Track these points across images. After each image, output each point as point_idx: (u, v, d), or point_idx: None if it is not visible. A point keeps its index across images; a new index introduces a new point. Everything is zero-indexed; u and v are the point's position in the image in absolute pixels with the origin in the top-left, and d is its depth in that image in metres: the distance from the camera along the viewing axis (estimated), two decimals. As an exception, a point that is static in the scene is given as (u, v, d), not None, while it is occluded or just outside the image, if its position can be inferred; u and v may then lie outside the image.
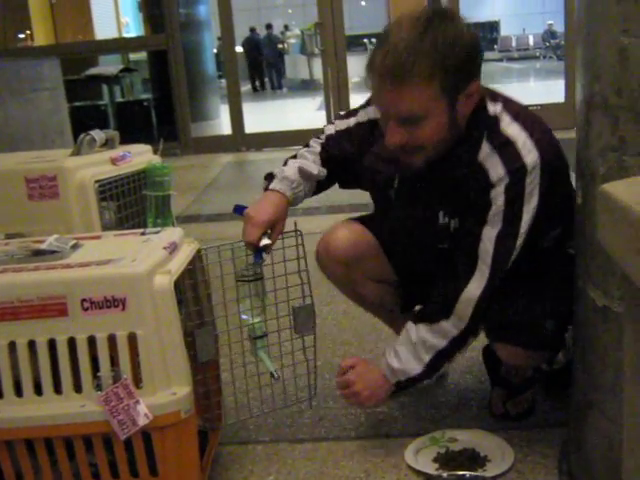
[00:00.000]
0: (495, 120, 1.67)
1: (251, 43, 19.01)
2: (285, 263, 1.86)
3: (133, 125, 8.72)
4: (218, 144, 8.26)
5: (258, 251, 1.79)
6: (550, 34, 22.13)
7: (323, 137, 1.96)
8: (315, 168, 1.90)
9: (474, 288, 1.70)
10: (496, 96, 1.72)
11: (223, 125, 9.26)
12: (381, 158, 1.84)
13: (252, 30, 19.26)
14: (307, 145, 1.97)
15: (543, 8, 21.57)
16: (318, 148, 1.94)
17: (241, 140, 8.12)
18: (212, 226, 4.76)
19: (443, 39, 1.54)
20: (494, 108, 1.68)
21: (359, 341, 2.63)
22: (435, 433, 1.94)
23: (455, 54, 1.55)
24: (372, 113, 1.84)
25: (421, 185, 1.79)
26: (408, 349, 1.81)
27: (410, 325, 1.83)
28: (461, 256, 1.73)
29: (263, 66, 18.77)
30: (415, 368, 1.80)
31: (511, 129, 1.65)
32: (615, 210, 0.51)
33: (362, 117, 1.91)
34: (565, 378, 1.86)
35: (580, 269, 1.52)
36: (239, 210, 1.87)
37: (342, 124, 1.94)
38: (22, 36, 9.67)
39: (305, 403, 2.04)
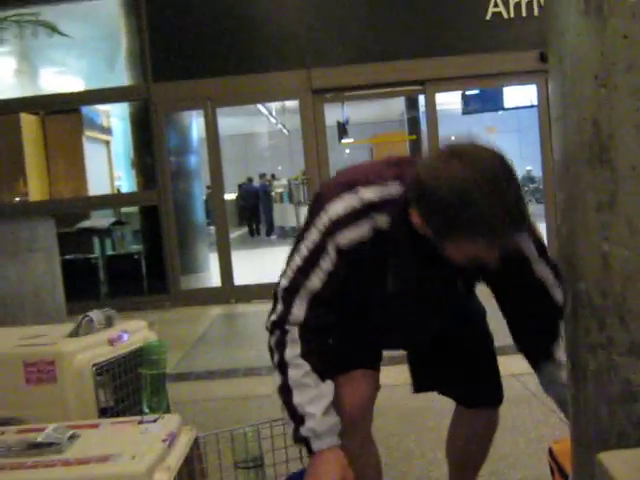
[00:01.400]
0: None
1: (249, 191, 19.92)
2: (287, 449, 1.86)
3: (123, 278, 8.79)
4: (207, 296, 8.33)
5: None
6: (529, 179, 22.91)
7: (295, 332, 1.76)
8: (326, 388, 1.76)
9: None
10: None
11: (212, 274, 9.36)
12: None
13: (250, 180, 20.32)
14: (285, 364, 1.76)
15: (520, 154, 22.48)
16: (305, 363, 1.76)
17: (230, 292, 8.19)
18: (202, 385, 4.74)
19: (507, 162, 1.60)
20: None
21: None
22: None
23: None
24: (369, 230, 1.73)
25: (441, 267, 1.75)
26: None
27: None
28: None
29: (259, 213, 19.49)
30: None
31: None
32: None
33: (346, 243, 1.74)
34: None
35: (578, 461, 1.54)
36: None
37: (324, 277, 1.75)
38: (18, 189, 9.90)
39: None
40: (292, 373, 1.73)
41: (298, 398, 1.72)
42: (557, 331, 1.79)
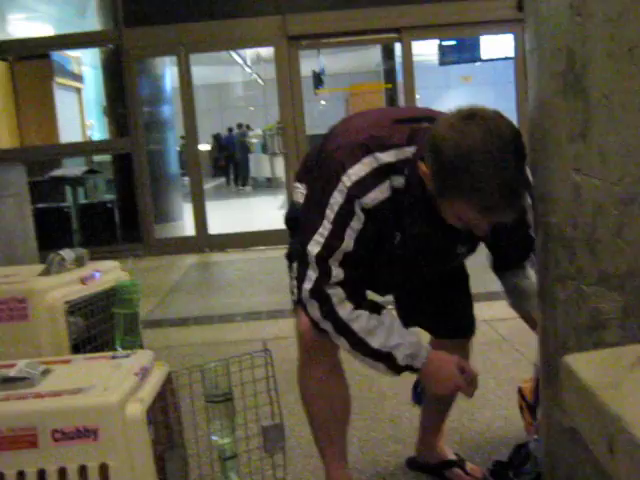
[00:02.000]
0: None
1: (229, 142, 19.87)
2: (255, 383, 1.87)
3: (96, 227, 8.71)
4: (182, 245, 8.29)
5: None
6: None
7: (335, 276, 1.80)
8: (388, 317, 1.85)
9: None
10: None
11: (187, 224, 9.32)
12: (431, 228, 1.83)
13: (230, 130, 20.22)
14: (333, 310, 1.80)
15: (495, 107, 22.54)
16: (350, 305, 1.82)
17: (205, 241, 8.16)
18: (176, 332, 4.73)
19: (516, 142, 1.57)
20: None
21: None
22: None
23: None
24: (388, 190, 1.78)
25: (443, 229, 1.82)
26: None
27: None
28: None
29: (237, 163, 19.46)
30: None
31: None
32: (581, 393, 0.55)
33: (381, 195, 1.78)
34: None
35: (547, 392, 1.56)
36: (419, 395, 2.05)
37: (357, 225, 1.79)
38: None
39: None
40: (356, 326, 1.78)
41: (376, 342, 1.79)
42: (530, 250, 1.88)
